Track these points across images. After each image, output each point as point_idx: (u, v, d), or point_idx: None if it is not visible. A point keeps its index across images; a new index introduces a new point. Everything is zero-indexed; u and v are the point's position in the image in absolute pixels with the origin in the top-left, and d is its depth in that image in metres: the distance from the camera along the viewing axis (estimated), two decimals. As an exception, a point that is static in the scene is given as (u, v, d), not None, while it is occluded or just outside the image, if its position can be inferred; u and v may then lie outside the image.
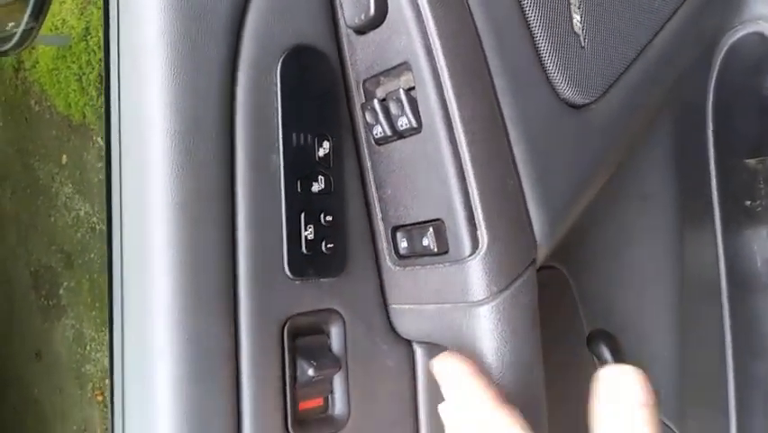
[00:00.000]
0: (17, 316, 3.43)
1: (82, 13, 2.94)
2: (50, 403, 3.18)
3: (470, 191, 0.44)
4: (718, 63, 0.72)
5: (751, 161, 0.77)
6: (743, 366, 0.72)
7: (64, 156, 3.16)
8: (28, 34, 0.77)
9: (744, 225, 0.75)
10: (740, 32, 0.71)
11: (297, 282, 0.44)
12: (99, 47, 2.88)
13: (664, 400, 0.67)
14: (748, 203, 0.76)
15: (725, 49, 0.72)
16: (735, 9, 0.69)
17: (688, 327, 0.68)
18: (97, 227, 2.92)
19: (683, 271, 0.68)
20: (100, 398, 2.92)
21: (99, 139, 2.91)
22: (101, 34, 0.43)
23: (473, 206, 0.44)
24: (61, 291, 3.16)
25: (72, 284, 3.09)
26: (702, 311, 0.72)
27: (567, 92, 0.50)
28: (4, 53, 0.80)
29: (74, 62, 3.01)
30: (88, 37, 2.92)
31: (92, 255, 2.97)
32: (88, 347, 3.00)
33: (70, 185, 3.12)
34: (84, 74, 2.97)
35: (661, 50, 0.58)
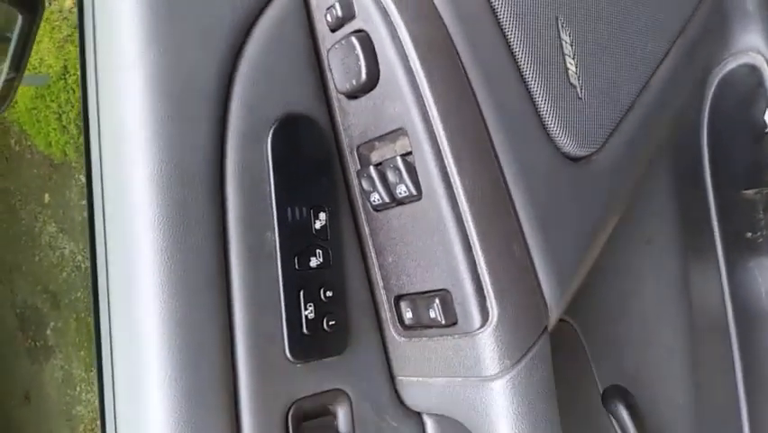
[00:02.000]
0: (4, 358, 3.36)
1: (60, 52, 2.91)
2: (40, 447, 3.10)
3: (476, 260, 0.42)
4: (710, 96, 0.71)
5: (749, 192, 0.76)
6: (755, 402, 0.71)
7: (46, 195, 3.12)
8: (9, 87, 0.74)
9: (746, 257, 0.74)
10: (730, 65, 0.71)
11: (299, 366, 0.42)
12: (78, 85, 2.86)
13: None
14: (749, 235, 0.75)
15: (716, 82, 0.71)
16: (724, 42, 0.69)
17: (699, 367, 0.67)
18: (82, 266, 2.87)
19: (690, 311, 0.67)
20: (91, 440, 2.86)
21: (81, 177, 2.87)
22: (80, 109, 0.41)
23: (481, 275, 0.42)
24: (48, 332, 3.10)
25: (59, 324, 3.03)
26: (712, 348, 0.70)
27: (568, 146, 0.48)
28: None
29: (53, 101, 2.98)
30: (67, 75, 2.90)
31: (78, 294, 2.92)
32: (78, 388, 2.93)
33: (54, 224, 3.07)
34: (64, 112, 2.94)
35: (657, 91, 0.57)
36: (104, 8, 0.41)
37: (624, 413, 0.51)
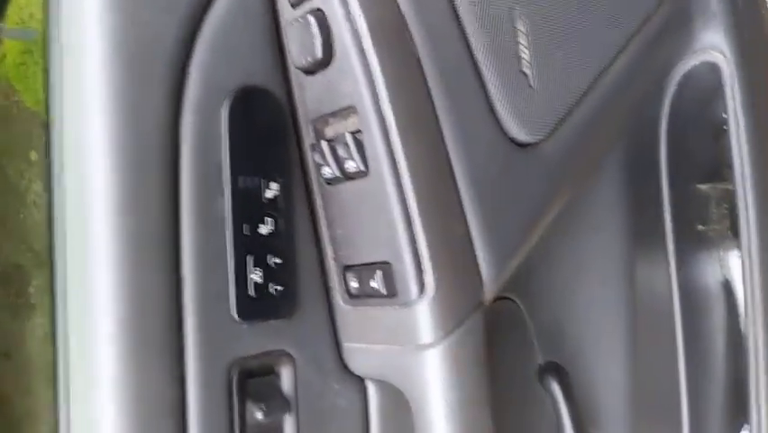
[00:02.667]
0: (-16, 315, 3.36)
1: (51, 8, 2.88)
2: (19, 403, 3.12)
3: (416, 235, 0.44)
4: (671, 92, 0.73)
5: (703, 186, 0.78)
6: (695, 387, 0.74)
7: (33, 153, 3.10)
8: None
9: (697, 249, 0.77)
10: (692, 62, 0.72)
11: (244, 326, 0.44)
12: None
13: (617, 421, 0.68)
14: (701, 227, 0.78)
15: (677, 78, 0.73)
16: (686, 40, 0.70)
17: (641, 350, 0.70)
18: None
19: (636, 297, 0.70)
20: (70, 399, 2.89)
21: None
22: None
23: (419, 250, 0.44)
24: (31, 290, 3.10)
25: (42, 283, 3.04)
26: (655, 334, 0.73)
27: (515, 131, 0.50)
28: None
29: (42, 57, 2.95)
30: (57, 33, 2.87)
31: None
32: (58, 348, 2.95)
33: (39, 182, 3.06)
34: (52, 70, 2.91)
35: (612, 84, 0.58)
36: None
37: (556, 389, 0.54)
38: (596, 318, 0.66)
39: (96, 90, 0.40)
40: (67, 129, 0.42)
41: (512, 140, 0.50)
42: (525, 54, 0.51)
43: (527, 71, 0.51)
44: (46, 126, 0.43)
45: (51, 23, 0.42)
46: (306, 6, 0.45)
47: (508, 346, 0.58)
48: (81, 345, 0.42)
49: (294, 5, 0.45)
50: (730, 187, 0.76)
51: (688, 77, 0.72)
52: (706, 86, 0.73)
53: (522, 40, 0.51)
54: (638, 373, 0.69)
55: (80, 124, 0.41)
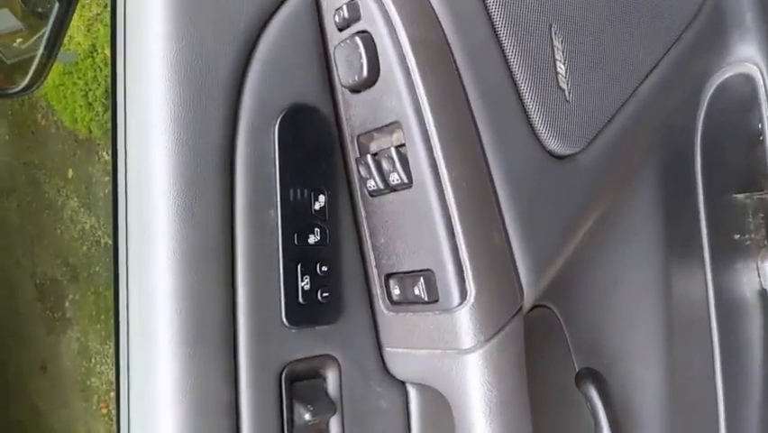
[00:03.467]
0: (23, 328, 3.45)
1: (89, 30, 2.97)
2: (55, 416, 3.19)
3: (458, 244, 0.46)
4: (706, 103, 0.74)
5: (740, 196, 0.79)
6: (733, 395, 0.74)
7: (70, 170, 3.19)
8: (42, 67, 0.79)
9: (733, 258, 0.77)
10: (727, 74, 0.73)
11: (293, 331, 0.47)
12: (105, 63, 2.92)
13: (654, 430, 0.69)
14: (737, 237, 0.78)
15: (712, 89, 0.74)
16: (720, 52, 0.71)
17: (678, 358, 0.70)
18: (102, 240, 2.95)
19: (672, 306, 0.70)
20: (105, 411, 2.94)
21: (105, 153, 2.94)
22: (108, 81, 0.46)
23: (461, 258, 0.46)
24: (66, 304, 3.18)
25: (77, 297, 3.11)
26: (692, 342, 0.73)
27: (552, 144, 0.52)
28: (21, 92, 0.83)
29: (80, 78, 3.04)
30: (95, 53, 2.96)
31: (97, 269, 3.00)
32: (93, 360, 3.02)
33: (76, 199, 3.15)
34: (90, 90, 3.00)
35: (646, 97, 0.60)
36: (133, 2, 0.45)
37: (594, 395, 0.55)
38: (632, 327, 0.66)
39: (157, 114, 0.43)
40: (131, 150, 0.45)
41: (550, 152, 0.52)
42: (562, 70, 0.53)
43: (564, 86, 0.53)
44: (111, 145, 0.45)
45: (117, 50, 0.45)
46: (352, 29, 0.47)
47: (546, 353, 0.59)
48: (142, 348, 0.44)
49: (341, 29, 0.48)
50: (766, 196, 0.77)
51: (722, 88, 0.73)
52: (740, 97, 0.74)
53: (559, 56, 0.52)
54: (675, 381, 0.69)
55: (144, 145, 0.44)
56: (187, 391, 0.42)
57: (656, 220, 0.70)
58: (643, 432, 0.65)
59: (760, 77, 0.72)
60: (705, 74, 0.72)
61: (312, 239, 0.48)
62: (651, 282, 0.68)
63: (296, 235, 0.47)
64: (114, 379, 0.47)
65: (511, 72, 0.50)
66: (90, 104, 3.01)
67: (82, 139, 3.08)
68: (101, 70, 2.93)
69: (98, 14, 2.95)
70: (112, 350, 0.44)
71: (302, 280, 0.47)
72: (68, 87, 3.08)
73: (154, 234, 0.43)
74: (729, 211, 0.77)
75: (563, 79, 0.53)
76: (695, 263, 0.73)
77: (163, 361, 0.42)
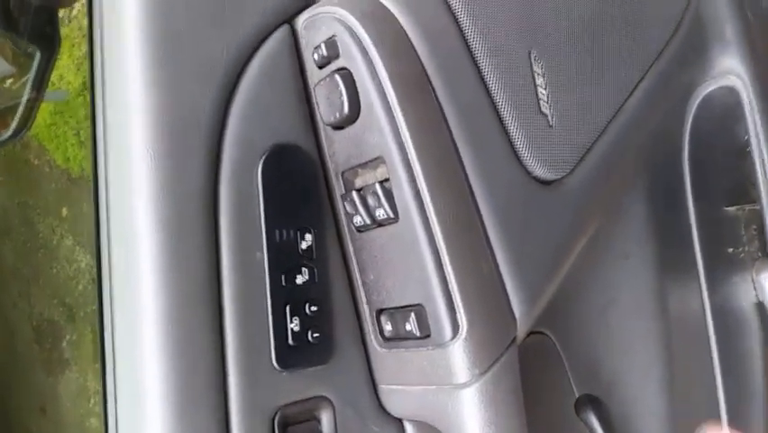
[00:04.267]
0: (21, 370, 3.41)
1: (78, 69, 2.99)
2: (56, 458, 3.14)
3: (447, 277, 0.45)
4: (691, 117, 0.74)
5: (731, 209, 0.78)
6: (735, 407, 0.73)
7: (64, 209, 3.19)
8: (29, 109, 0.79)
9: (728, 272, 0.76)
10: (710, 87, 0.74)
11: (284, 374, 0.46)
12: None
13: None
14: (731, 250, 0.78)
15: (696, 103, 0.74)
16: (702, 66, 0.72)
17: (678, 378, 0.69)
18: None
19: (669, 324, 0.70)
20: (105, 451, 2.89)
21: (98, 192, 2.94)
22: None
23: (451, 291, 0.45)
24: (64, 344, 3.15)
25: (74, 337, 3.09)
26: (691, 360, 0.73)
27: (538, 170, 0.51)
28: (9, 139, 0.82)
29: (71, 117, 3.05)
30: (85, 92, 2.97)
31: (93, 307, 2.97)
32: (92, 401, 2.98)
33: (71, 237, 3.14)
34: (82, 128, 3.01)
35: (631, 115, 0.60)
36: (110, 50, 0.45)
37: (594, 421, 0.54)
38: (630, 348, 0.65)
39: (138, 164, 0.43)
40: (112, 197, 0.44)
41: (535, 178, 0.52)
42: (544, 95, 0.53)
43: (546, 111, 0.53)
44: (93, 191, 0.45)
45: (96, 95, 0.45)
46: (332, 66, 0.47)
47: (543, 380, 0.58)
48: (131, 400, 0.43)
49: (320, 66, 0.48)
50: (758, 207, 0.76)
51: (707, 101, 0.73)
52: (725, 109, 0.74)
53: (540, 82, 0.52)
54: (676, 401, 0.68)
55: (125, 196, 0.44)
56: None
57: (648, 239, 0.69)
58: None
59: (743, 88, 0.72)
60: (689, 88, 0.73)
61: (300, 279, 0.47)
62: (646, 302, 0.68)
63: (283, 276, 0.46)
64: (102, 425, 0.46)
65: (492, 100, 0.50)
66: (82, 142, 3.01)
67: (75, 177, 3.08)
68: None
69: (87, 53, 2.96)
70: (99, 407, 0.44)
71: (291, 322, 0.46)
72: (60, 126, 3.08)
73: (139, 285, 0.43)
74: (721, 225, 0.77)
75: (545, 104, 0.52)
76: (690, 279, 0.72)
77: (153, 414, 0.42)
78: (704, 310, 0.72)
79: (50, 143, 3.20)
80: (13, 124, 0.75)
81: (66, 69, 3.04)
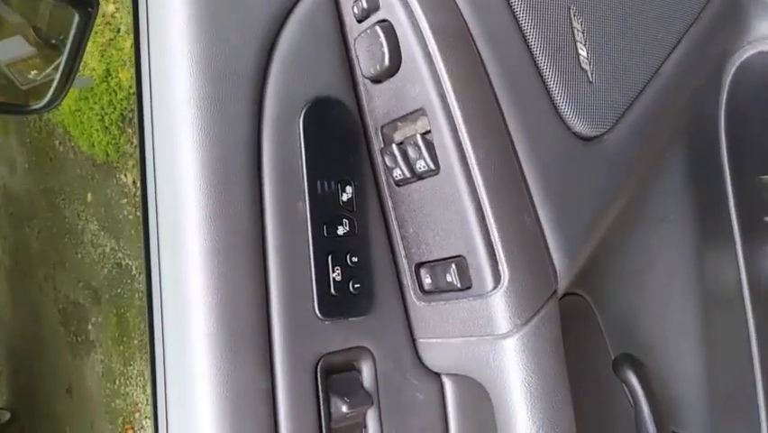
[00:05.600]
0: (47, 353, 3.48)
1: (102, 55, 3.02)
2: (82, 438, 3.20)
3: (489, 228, 0.45)
4: (728, 83, 0.73)
5: (767, 177, 0.78)
6: None
7: (89, 194, 3.23)
8: (63, 84, 0.80)
9: (764, 239, 0.76)
10: (748, 52, 0.73)
11: (327, 323, 0.46)
12: (120, 87, 2.96)
13: (694, 415, 0.67)
14: (767, 218, 0.77)
15: (733, 69, 0.73)
16: (740, 31, 0.71)
17: (714, 342, 0.69)
18: (123, 263, 2.98)
19: (705, 289, 0.69)
20: (130, 432, 2.95)
21: (123, 176, 2.98)
22: (133, 89, 0.46)
23: (493, 242, 0.45)
24: (89, 327, 3.21)
25: (100, 319, 3.14)
26: (727, 325, 0.72)
27: (578, 126, 0.51)
28: (36, 111, 0.84)
29: (96, 103, 3.09)
30: (109, 78, 3.01)
31: (118, 291, 3.02)
32: (117, 382, 3.03)
33: (96, 222, 3.19)
34: (106, 114, 3.04)
35: (668, 77, 0.59)
36: (156, 5, 0.46)
37: (633, 380, 0.54)
38: (666, 312, 0.65)
39: (184, 111, 0.43)
40: (158, 146, 0.45)
41: (575, 134, 0.51)
42: (583, 51, 0.52)
43: (586, 67, 0.52)
44: (139, 143, 0.46)
45: (141, 51, 0.46)
46: (372, 19, 0.47)
47: (580, 341, 0.58)
48: (177, 342, 0.44)
49: (360, 20, 0.48)
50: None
51: (744, 67, 0.72)
52: (763, 75, 0.73)
53: (579, 38, 0.52)
54: (712, 366, 0.68)
55: (171, 142, 0.44)
56: (224, 380, 0.42)
57: (685, 203, 0.69)
58: (682, 415, 0.64)
59: None
60: (726, 53, 0.72)
61: (341, 230, 0.48)
62: (683, 265, 0.67)
63: (325, 227, 0.47)
64: (149, 372, 0.47)
65: (532, 55, 0.50)
66: (107, 128, 3.05)
67: (100, 163, 3.12)
68: (116, 94, 2.97)
69: (111, 40, 2.99)
70: (147, 348, 0.44)
71: (333, 272, 0.47)
72: (85, 113, 3.13)
73: (185, 230, 0.43)
74: (757, 192, 0.76)
75: (585, 60, 0.52)
76: (726, 245, 0.72)
77: (199, 353, 0.42)
78: (740, 276, 0.72)
79: (74, 129, 3.25)
80: (50, 92, 0.76)
81: (89, 56, 3.08)
